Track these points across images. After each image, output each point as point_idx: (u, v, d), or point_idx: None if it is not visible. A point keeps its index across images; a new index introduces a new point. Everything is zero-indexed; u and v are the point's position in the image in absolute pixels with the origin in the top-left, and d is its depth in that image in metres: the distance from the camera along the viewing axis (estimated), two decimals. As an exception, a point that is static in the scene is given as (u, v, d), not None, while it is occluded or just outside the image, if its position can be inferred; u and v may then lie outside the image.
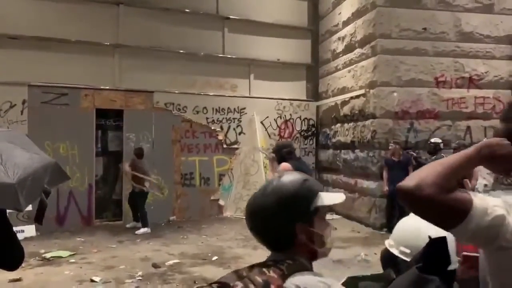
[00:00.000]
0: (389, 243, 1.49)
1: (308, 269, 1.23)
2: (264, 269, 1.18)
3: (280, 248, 1.27)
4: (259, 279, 1.14)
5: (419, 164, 8.08)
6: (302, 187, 1.27)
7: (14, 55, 8.38)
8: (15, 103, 8.68)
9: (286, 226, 1.24)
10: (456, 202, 1.07)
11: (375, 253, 6.27)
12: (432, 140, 8.10)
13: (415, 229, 1.39)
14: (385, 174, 8.22)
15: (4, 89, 8.08)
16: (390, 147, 8.21)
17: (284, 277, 1.16)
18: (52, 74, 8.94)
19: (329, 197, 1.30)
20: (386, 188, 8.15)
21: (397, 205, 8.12)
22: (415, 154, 8.28)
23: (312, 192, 1.28)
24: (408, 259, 1.36)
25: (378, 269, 1.67)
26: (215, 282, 1.17)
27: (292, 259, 1.22)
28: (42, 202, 2.18)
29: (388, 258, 1.47)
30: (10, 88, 8.28)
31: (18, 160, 2.00)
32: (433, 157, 7.86)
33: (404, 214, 1.62)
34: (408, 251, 1.38)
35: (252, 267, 1.21)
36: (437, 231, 1.23)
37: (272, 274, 1.16)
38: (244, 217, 1.34)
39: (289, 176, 1.31)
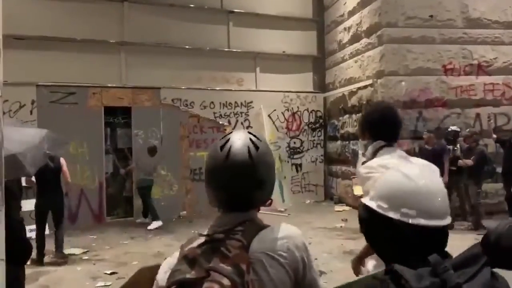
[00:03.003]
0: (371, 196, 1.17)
1: (260, 225, 1.17)
2: (222, 249, 1.07)
3: (245, 210, 1.19)
4: (226, 266, 1.03)
5: (454, 157, 7.56)
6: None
7: (21, 55, 8.43)
8: (24, 103, 8.78)
9: (270, 190, 1.23)
10: None
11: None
12: (452, 128, 7.80)
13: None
14: None
15: (13, 90, 8.12)
16: (424, 136, 7.83)
17: (246, 247, 1.08)
18: (59, 73, 8.99)
19: None
20: None
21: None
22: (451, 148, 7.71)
23: None
24: (385, 213, 1.09)
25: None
26: (174, 282, 1.04)
27: (246, 220, 1.16)
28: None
29: (373, 217, 1.16)
30: (18, 89, 8.34)
31: (14, 137, 2.23)
32: (455, 148, 7.53)
33: None
34: (385, 205, 1.10)
35: (202, 245, 1.10)
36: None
37: (233, 251, 1.06)
38: (210, 173, 1.20)
39: (263, 141, 1.23)
